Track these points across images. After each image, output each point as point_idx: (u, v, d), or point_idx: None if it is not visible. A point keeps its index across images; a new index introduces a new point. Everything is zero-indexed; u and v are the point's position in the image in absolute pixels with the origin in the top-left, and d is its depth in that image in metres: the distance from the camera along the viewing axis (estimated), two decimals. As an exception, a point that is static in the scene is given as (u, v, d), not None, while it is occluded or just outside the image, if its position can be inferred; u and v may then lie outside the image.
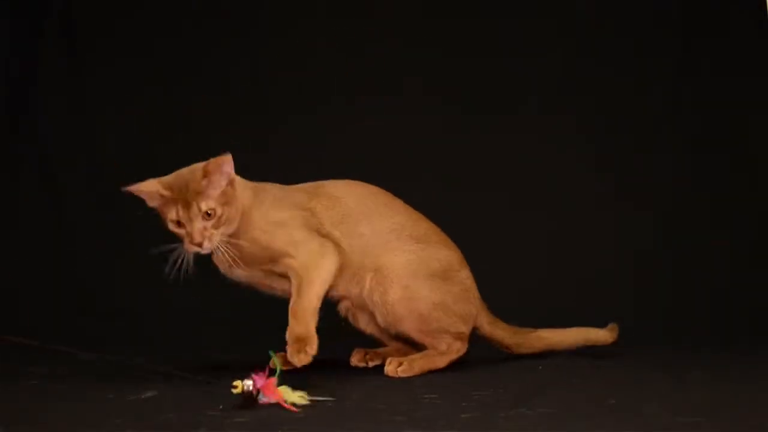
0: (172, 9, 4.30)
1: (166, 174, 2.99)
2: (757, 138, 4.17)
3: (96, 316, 3.99)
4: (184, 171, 3.01)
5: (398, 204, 3.20)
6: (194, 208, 2.92)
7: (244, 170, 4.26)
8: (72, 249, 4.20)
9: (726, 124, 4.18)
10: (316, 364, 2.86)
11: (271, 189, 3.14)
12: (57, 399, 2.77)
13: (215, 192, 2.95)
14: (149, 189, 2.99)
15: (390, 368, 3.02)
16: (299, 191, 3.16)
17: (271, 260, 3.02)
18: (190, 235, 2.92)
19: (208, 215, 2.93)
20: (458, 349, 3.11)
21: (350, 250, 3.05)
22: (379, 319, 3.09)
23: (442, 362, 3.09)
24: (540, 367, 3.14)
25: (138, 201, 4.18)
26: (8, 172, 4.22)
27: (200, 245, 2.92)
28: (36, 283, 4.14)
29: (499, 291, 3.32)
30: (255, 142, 4.24)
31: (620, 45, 4.22)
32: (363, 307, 3.13)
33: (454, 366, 3.08)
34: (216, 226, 2.94)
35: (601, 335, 3.28)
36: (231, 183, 2.99)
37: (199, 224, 2.92)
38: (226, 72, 4.28)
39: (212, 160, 2.95)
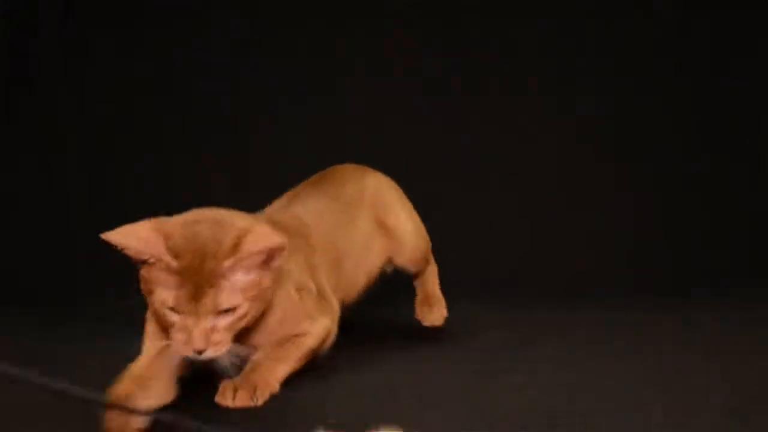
0: (172, 9, 4.30)
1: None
2: (756, 138, 4.17)
3: (95, 316, 3.99)
4: (205, 228, 1.99)
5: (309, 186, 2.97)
6: (206, 302, 1.95)
7: (243, 169, 4.31)
8: (72, 248, 4.20)
9: (726, 124, 4.18)
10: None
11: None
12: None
13: (244, 280, 1.98)
14: (143, 247, 1.97)
15: (435, 317, 2.95)
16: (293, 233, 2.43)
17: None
18: (188, 334, 1.96)
19: (225, 311, 1.98)
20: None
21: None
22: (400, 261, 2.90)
23: (437, 284, 3.03)
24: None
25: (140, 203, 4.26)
26: (8, 170, 4.22)
27: (200, 353, 1.98)
28: (35, 282, 4.14)
29: (498, 288, 3.32)
30: (255, 141, 4.25)
31: (620, 45, 4.22)
32: None
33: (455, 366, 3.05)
34: (230, 329, 1.99)
35: None
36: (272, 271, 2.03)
37: (206, 324, 1.96)
38: (226, 72, 4.28)
39: (249, 237, 1.97)
